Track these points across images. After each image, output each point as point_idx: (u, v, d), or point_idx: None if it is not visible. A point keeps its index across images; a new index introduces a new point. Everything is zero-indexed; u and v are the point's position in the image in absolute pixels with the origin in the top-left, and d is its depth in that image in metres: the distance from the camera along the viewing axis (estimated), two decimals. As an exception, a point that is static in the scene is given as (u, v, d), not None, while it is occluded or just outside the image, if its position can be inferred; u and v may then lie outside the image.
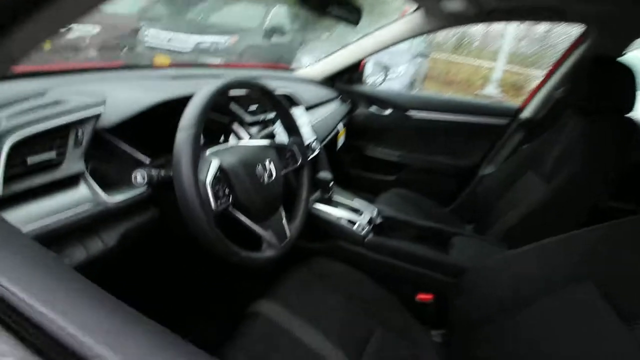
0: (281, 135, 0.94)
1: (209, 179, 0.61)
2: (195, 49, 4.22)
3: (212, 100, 0.62)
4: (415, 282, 1.01)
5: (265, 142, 0.82)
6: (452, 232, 1.16)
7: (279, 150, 0.84)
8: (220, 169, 0.65)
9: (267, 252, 0.72)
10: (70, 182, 0.60)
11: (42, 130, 0.56)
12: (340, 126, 1.67)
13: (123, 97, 0.71)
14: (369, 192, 1.92)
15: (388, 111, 1.83)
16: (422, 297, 0.99)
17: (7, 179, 0.52)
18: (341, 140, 1.71)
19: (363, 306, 0.88)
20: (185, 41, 4.21)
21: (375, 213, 1.20)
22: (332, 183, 1.16)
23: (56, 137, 0.60)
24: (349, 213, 1.16)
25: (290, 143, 0.88)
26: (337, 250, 1.11)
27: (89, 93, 0.69)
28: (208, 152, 0.69)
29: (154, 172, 0.61)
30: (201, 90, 0.62)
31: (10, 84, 0.71)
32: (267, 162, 0.75)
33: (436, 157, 1.80)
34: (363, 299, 0.91)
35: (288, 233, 0.79)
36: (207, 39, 4.29)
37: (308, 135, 1.24)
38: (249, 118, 1.02)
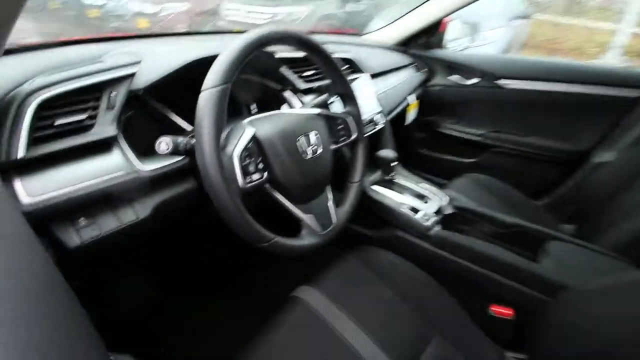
0: (337, 105, 0.81)
1: (238, 150, 0.52)
2: (271, 21, 4.23)
3: (243, 55, 0.52)
4: (489, 291, 0.83)
5: (312, 111, 0.70)
6: (547, 233, 0.92)
7: (330, 122, 0.71)
8: (255, 139, 0.56)
9: (306, 240, 0.62)
10: (103, 147, 0.57)
11: (69, 89, 0.53)
12: (412, 98, 1.45)
13: (159, 56, 0.65)
14: (440, 176, 1.70)
15: (473, 80, 1.54)
16: (498, 310, 0.80)
17: (34, 141, 0.49)
18: (412, 114, 1.50)
19: (420, 308, 0.74)
20: (263, 13, 4.25)
21: (445, 201, 1.02)
22: (395, 163, 1.00)
23: (89, 99, 0.56)
24: (413, 199, 0.99)
25: (344, 113, 0.75)
26: (395, 241, 0.96)
27: (126, 53, 0.65)
28: (246, 120, 0.60)
29: (180, 140, 0.54)
30: (230, 44, 0.52)
31: (64, 50, 0.70)
32: (312, 135, 0.63)
33: (531, 138, 1.47)
34: (421, 300, 0.77)
35: (334, 219, 0.68)
36: (283, 10, 4.28)
37: (371, 107, 1.08)
38: (302, 84, 0.90)
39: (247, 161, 0.53)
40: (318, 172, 0.64)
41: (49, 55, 0.66)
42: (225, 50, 0.51)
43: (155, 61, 0.63)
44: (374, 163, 1.02)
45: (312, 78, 0.95)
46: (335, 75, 0.70)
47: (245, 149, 0.53)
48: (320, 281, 0.76)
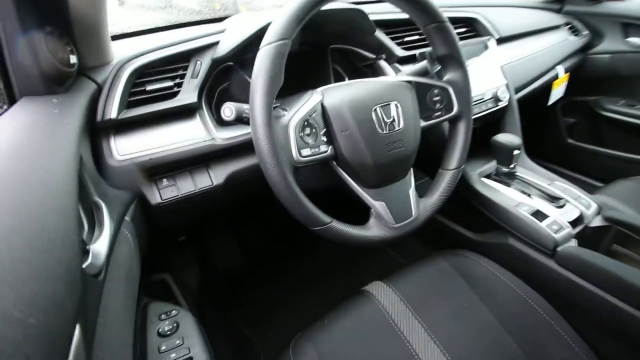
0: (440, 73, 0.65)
1: (297, 118, 0.45)
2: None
3: (307, 6, 0.44)
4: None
5: (398, 77, 0.57)
6: None
7: (424, 92, 0.57)
8: (321, 108, 0.49)
9: (372, 231, 0.52)
10: (187, 114, 0.60)
11: (158, 57, 0.56)
12: (560, 70, 1.11)
13: (242, 24, 0.63)
14: (594, 177, 1.28)
15: (669, 43, 1.07)
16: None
17: (129, 105, 0.55)
18: (558, 91, 1.15)
19: (529, 343, 0.56)
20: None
21: (592, 209, 0.74)
22: (517, 151, 0.77)
23: (178, 68, 0.60)
24: (540, 201, 0.75)
25: (445, 82, 0.59)
26: (505, 251, 0.76)
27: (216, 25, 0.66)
28: (320, 88, 0.53)
29: (245, 106, 0.51)
30: None
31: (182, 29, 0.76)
32: (392, 106, 0.52)
33: None
34: (533, 333, 0.58)
35: (414, 211, 0.55)
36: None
37: (493, 79, 0.86)
38: (400, 51, 0.77)
39: (308, 131, 0.46)
40: (397, 152, 0.52)
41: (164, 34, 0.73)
42: (288, 4, 0.45)
43: (236, 29, 0.62)
44: (490, 150, 0.81)
45: (415, 45, 0.81)
46: (435, 29, 0.55)
47: (308, 117, 0.46)
48: (396, 279, 0.66)
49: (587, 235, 0.73)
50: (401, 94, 0.54)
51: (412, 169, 0.58)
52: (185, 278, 0.93)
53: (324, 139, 0.49)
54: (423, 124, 0.58)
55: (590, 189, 0.84)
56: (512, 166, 0.80)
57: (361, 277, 0.74)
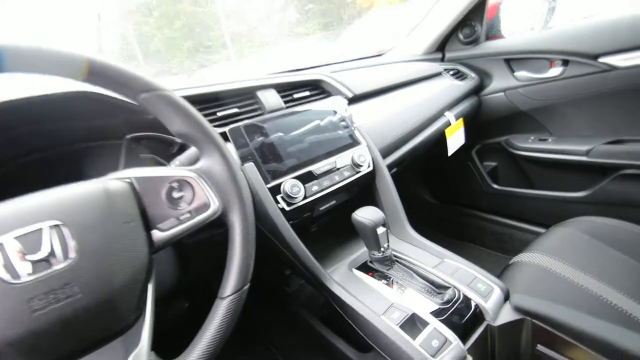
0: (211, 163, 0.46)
1: None
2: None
3: None
4: None
5: (114, 175, 0.38)
6: None
7: (156, 189, 0.38)
8: None
9: None
10: None
11: None
12: (450, 116, 0.98)
13: None
14: (532, 222, 1.09)
15: (556, 70, 0.98)
16: None
17: None
18: (455, 137, 1.01)
19: None
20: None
21: (492, 298, 0.51)
22: (383, 230, 0.57)
23: None
24: (421, 296, 0.53)
25: (197, 171, 0.41)
26: None
27: None
28: None
29: None
30: None
31: None
32: (46, 232, 0.31)
33: None
34: None
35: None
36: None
37: (345, 142, 0.70)
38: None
39: None
40: (63, 305, 0.30)
41: None
42: None
43: None
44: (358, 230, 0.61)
45: (231, 120, 0.65)
46: (148, 102, 0.38)
47: None
48: None
49: (495, 339, 0.49)
50: (84, 204, 0.34)
51: (148, 315, 0.35)
52: None
53: None
54: (161, 235, 0.37)
55: (532, 237, 0.63)
56: (383, 248, 0.59)
57: None
